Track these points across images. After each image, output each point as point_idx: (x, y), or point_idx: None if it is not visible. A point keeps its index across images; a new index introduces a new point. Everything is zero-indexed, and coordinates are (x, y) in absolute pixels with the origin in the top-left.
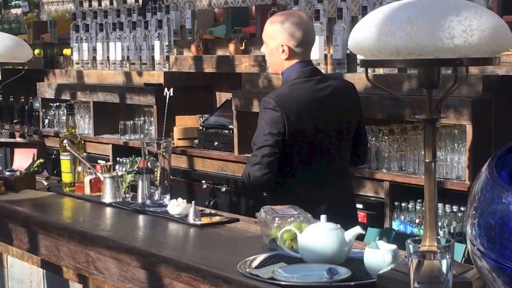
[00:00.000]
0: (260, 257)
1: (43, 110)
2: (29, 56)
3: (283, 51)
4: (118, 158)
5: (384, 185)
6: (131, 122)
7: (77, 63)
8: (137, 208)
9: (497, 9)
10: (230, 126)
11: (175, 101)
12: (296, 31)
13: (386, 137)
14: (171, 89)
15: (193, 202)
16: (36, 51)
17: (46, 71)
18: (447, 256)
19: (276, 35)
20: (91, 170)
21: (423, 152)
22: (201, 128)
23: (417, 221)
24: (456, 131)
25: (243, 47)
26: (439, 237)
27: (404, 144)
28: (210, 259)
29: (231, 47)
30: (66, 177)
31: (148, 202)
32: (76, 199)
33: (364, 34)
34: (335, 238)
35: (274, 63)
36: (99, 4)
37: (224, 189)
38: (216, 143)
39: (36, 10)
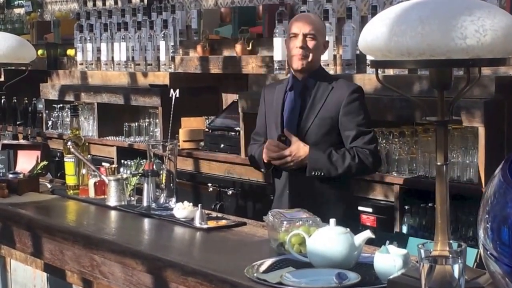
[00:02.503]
0: (268, 262)
1: (47, 111)
2: (32, 56)
3: (325, 47)
4: (122, 161)
5: (394, 188)
6: (136, 124)
7: (81, 64)
8: (142, 212)
9: (510, 8)
10: (237, 128)
11: (181, 102)
12: None
13: (396, 140)
14: (177, 90)
15: (199, 205)
16: (40, 52)
17: (50, 72)
18: (459, 261)
19: (324, 31)
20: (96, 173)
21: (434, 155)
22: (207, 130)
23: (428, 225)
24: (468, 133)
25: (250, 48)
26: (451, 241)
27: (415, 146)
28: (217, 263)
29: (238, 47)
30: (70, 180)
31: (153, 205)
32: (80, 202)
33: (375, 34)
34: (344, 242)
35: (318, 59)
36: (104, 4)
37: (230, 192)
38: (222, 145)
39: (39, 10)
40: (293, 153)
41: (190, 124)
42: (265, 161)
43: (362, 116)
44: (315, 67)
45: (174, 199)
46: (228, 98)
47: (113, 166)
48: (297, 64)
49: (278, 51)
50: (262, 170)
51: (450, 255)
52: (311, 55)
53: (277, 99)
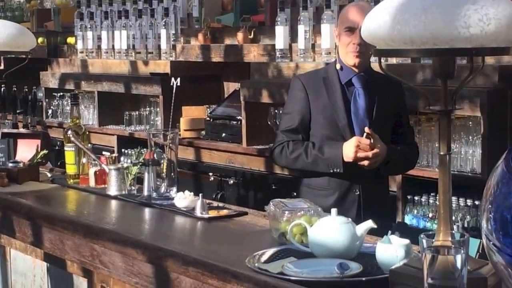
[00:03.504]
0: (269, 252)
1: (47, 100)
2: (32, 44)
3: None
4: (123, 150)
5: (397, 178)
6: (137, 112)
7: (82, 52)
8: (143, 201)
9: None
10: (238, 117)
11: (182, 91)
12: None
13: None
14: (178, 79)
15: (200, 195)
16: (40, 40)
17: (50, 60)
18: (462, 251)
19: None
20: (96, 162)
21: (437, 144)
22: (208, 119)
23: (430, 215)
24: (470, 123)
25: (251, 36)
26: (453, 231)
27: (417, 136)
28: (218, 253)
29: (240, 36)
30: (71, 169)
31: (154, 194)
32: (80, 192)
33: (378, 23)
34: (346, 232)
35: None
36: None
37: (231, 181)
38: (223, 134)
39: None
40: (381, 152)
41: (191, 113)
42: (352, 160)
43: (408, 111)
44: (369, 61)
45: (175, 189)
46: (230, 87)
47: (114, 155)
48: (353, 60)
49: (280, 39)
50: (332, 170)
51: (453, 245)
52: (368, 51)
53: (329, 92)
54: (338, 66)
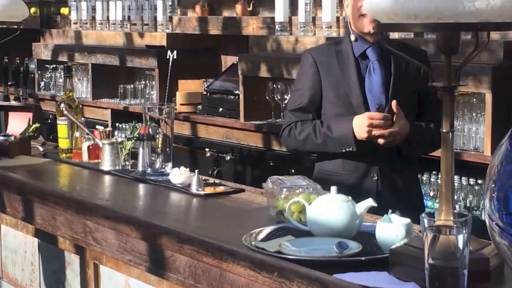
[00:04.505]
0: (267, 230)
1: (39, 72)
2: (24, 15)
3: None
4: (117, 124)
5: None
6: (132, 86)
7: (75, 23)
8: (137, 177)
9: None
10: (236, 92)
11: (178, 64)
12: None
13: None
14: (174, 52)
15: (196, 171)
16: (32, 10)
17: (43, 31)
18: (464, 231)
19: None
20: (89, 136)
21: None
22: (205, 93)
23: (431, 194)
24: (474, 99)
25: (250, 8)
26: (455, 211)
27: None
28: (213, 231)
29: (238, 8)
30: (63, 143)
31: (149, 170)
32: (73, 166)
33: None
34: (345, 210)
35: None
36: None
37: (228, 157)
38: (220, 109)
39: None
40: (401, 130)
41: (187, 86)
42: (364, 137)
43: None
44: None
45: (170, 164)
46: (228, 60)
47: (108, 129)
48: (368, 26)
49: (279, 12)
50: (344, 149)
51: (454, 225)
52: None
53: (342, 67)
54: (352, 38)
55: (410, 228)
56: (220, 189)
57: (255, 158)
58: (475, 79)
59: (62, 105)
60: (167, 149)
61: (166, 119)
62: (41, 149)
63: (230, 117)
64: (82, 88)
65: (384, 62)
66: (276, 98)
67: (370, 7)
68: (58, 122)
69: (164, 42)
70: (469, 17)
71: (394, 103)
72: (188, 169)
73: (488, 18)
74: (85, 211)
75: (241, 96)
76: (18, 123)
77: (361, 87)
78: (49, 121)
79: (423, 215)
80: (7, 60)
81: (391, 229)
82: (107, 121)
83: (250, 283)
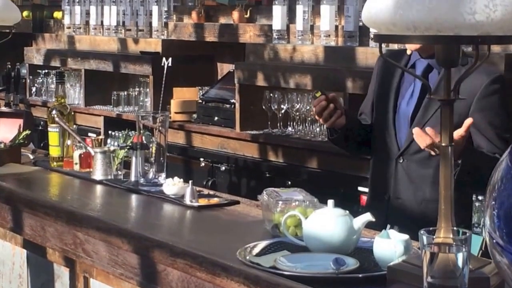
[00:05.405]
0: (262, 244)
1: (31, 77)
2: (17, 18)
3: None
4: (110, 132)
5: None
6: (125, 93)
7: (69, 28)
8: (130, 187)
9: None
10: (232, 100)
11: (173, 71)
12: None
13: None
14: (169, 59)
15: (190, 181)
16: (25, 14)
17: (35, 35)
18: (463, 249)
19: None
20: (81, 144)
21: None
22: (200, 101)
23: None
24: None
25: (247, 15)
26: (455, 228)
27: None
28: (207, 244)
29: (235, 14)
30: (54, 151)
31: (141, 180)
32: (64, 175)
33: (379, 7)
34: (342, 225)
35: None
36: None
37: (223, 168)
38: (216, 118)
39: None
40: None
41: (182, 94)
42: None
43: (500, 115)
44: None
45: (163, 175)
46: (224, 68)
47: (100, 137)
48: (408, 50)
49: (277, 20)
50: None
51: (454, 243)
52: None
53: (390, 76)
54: (408, 51)
55: (409, 245)
56: (215, 201)
57: (250, 169)
58: None
59: (54, 111)
60: (161, 159)
61: (160, 128)
62: (31, 157)
63: (225, 126)
64: (75, 94)
65: (426, 76)
66: (273, 108)
67: (369, 17)
68: (49, 129)
69: (159, 49)
70: (469, 30)
71: (415, 130)
72: (182, 179)
73: (488, 31)
74: (76, 222)
75: (237, 105)
76: (8, 130)
77: (396, 95)
78: (40, 128)
79: (422, 231)
80: None
81: (389, 246)
82: (100, 128)
83: None
